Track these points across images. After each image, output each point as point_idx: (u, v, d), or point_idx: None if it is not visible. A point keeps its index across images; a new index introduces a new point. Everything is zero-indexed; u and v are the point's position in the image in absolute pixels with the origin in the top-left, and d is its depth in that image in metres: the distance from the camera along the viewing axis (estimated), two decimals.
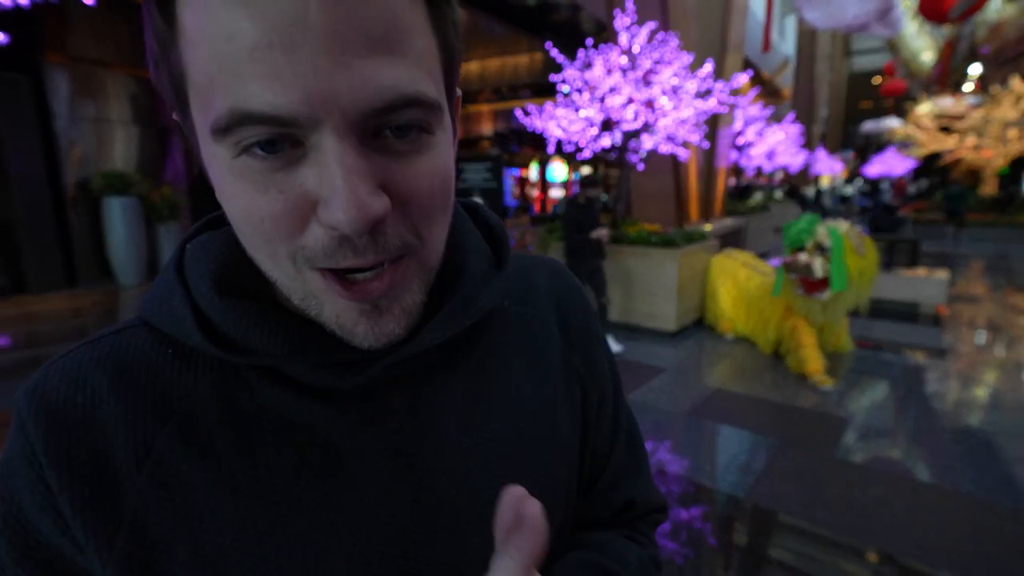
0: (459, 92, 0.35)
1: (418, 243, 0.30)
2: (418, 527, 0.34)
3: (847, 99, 38.10)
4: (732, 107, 8.02)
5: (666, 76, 5.05)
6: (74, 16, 7.51)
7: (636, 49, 5.20)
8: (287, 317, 0.32)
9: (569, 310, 0.45)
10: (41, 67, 7.39)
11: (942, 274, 5.85)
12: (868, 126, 28.87)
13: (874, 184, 20.82)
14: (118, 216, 7.79)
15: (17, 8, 4.13)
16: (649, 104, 5.15)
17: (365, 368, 0.33)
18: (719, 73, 7.20)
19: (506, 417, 0.38)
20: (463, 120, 22.13)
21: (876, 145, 32.03)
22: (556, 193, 16.77)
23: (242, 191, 0.27)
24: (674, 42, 5.25)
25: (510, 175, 16.40)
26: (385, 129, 0.27)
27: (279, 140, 0.25)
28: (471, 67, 18.45)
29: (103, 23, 7.96)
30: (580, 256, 4.10)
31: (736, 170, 14.29)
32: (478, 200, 0.44)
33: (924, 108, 16.71)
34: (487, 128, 21.37)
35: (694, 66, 5.41)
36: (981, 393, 3.57)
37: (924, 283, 5.74)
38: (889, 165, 26.99)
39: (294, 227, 0.27)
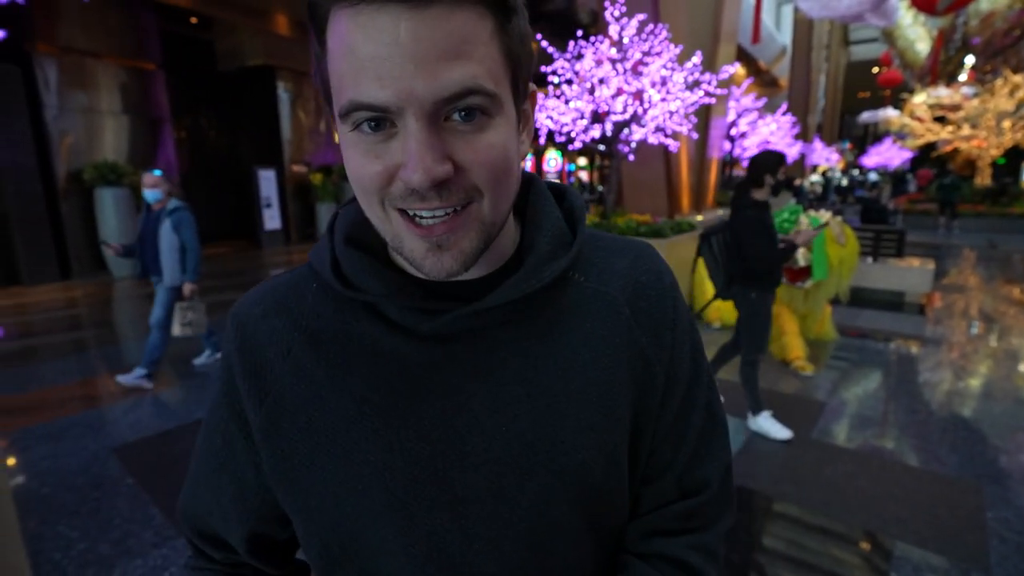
0: (533, 88, 0.44)
1: (479, 197, 0.38)
2: (455, 451, 0.43)
3: (845, 89, 37.80)
4: (724, 98, 8.02)
5: (655, 67, 5.08)
6: (64, 6, 7.46)
7: (626, 40, 5.22)
8: (389, 268, 0.44)
9: (643, 293, 0.48)
10: (31, 57, 7.34)
11: (929, 264, 5.92)
12: (866, 116, 28.71)
13: (900, 175, 20.77)
14: (110, 207, 7.77)
15: (12, 3, 4.12)
16: (638, 95, 5.17)
17: (440, 316, 0.42)
18: (710, 64, 7.20)
19: (560, 376, 0.44)
20: None
21: (874, 136, 31.91)
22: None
23: (354, 156, 0.37)
24: (664, 33, 5.27)
25: None
26: (454, 114, 0.35)
27: (380, 121, 0.35)
28: None
29: (93, 14, 7.90)
30: (772, 276, 2.72)
31: (733, 161, 14.28)
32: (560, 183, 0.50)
33: (919, 98, 16.70)
34: None
35: (682, 58, 5.42)
36: (959, 380, 3.64)
37: (910, 273, 5.81)
38: (886, 156, 26.90)
39: (385, 182, 0.37)
